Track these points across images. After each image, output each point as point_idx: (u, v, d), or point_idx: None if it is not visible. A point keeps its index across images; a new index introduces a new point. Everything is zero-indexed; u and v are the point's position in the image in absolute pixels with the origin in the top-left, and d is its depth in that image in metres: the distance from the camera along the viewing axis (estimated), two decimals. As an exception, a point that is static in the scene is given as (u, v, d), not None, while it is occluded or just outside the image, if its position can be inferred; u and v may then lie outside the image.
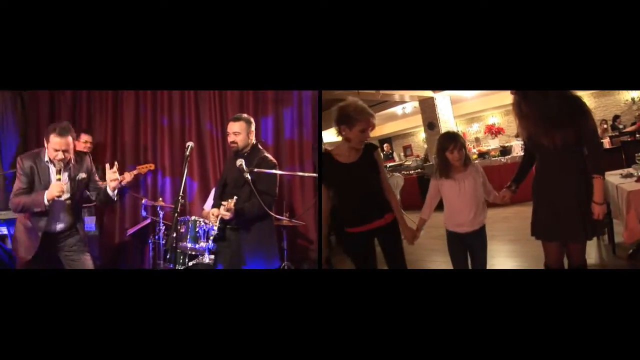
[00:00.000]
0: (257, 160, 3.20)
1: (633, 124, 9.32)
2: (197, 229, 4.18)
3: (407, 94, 8.76)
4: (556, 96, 2.36)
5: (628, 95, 11.23)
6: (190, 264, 4.16)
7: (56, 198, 2.96)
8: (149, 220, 4.76)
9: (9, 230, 4.10)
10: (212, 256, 3.95)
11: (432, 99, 9.78)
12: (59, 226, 3.17)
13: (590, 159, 2.39)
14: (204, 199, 4.81)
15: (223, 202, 3.05)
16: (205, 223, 4.15)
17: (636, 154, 3.96)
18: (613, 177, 3.73)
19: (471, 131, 12.74)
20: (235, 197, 3.04)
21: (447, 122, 10.31)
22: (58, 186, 2.94)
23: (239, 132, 3.24)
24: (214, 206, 3.32)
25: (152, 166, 4.80)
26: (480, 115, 14.11)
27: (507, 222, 5.64)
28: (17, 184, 3.04)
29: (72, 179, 3.16)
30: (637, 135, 7.77)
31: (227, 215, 3.04)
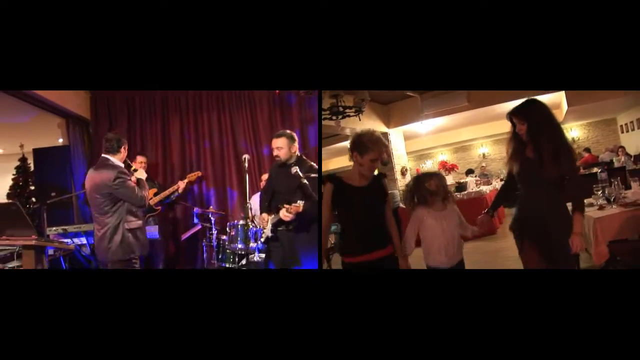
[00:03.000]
0: (306, 168, 3.51)
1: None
2: (247, 232, 4.70)
3: (359, 127, 8.86)
4: (552, 133, 2.54)
5: (569, 135, 11.89)
6: (243, 262, 4.72)
7: None
8: (199, 227, 5.50)
9: (87, 240, 4.73)
10: (262, 255, 4.28)
11: (386, 134, 9.92)
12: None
13: (573, 195, 2.60)
14: (243, 207, 5.43)
15: (286, 206, 3.30)
16: (254, 226, 4.66)
17: (594, 186, 4.11)
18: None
19: (424, 167, 13.04)
20: (303, 201, 3.25)
21: (401, 158, 10.47)
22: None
23: (281, 146, 3.58)
24: (262, 212, 3.74)
25: (199, 173, 5.56)
26: (431, 152, 14.51)
27: (467, 256, 5.70)
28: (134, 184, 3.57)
29: None
30: (582, 170, 8.20)
31: (289, 217, 3.30)
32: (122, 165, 3.60)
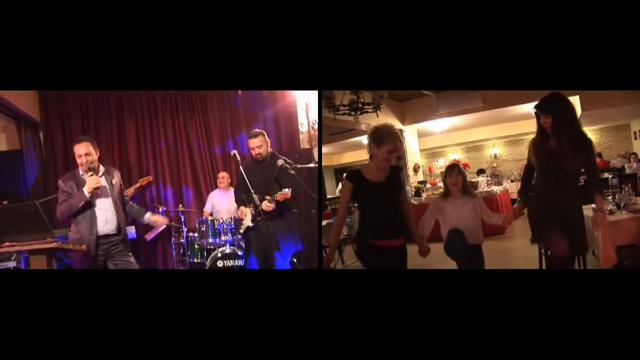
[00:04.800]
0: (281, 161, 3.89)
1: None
2: (216, 226, 5.10)
3: (375, 123, 8.95)
4: (574, 127, 2.77)
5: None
6: (219, 254, 4.87)
7: (94, 190, 3.27)
8: (164, 226, 5.38)
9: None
10: (233, 247, 4.87)
11: (401, 131, 10.03)
12: (108, 228, 3.40)
13: (594, 182, 2.88)
14: (198, 204, 5.93)
15: (267, 197, 3.72)
16: (223, 220, 5.07)
17: (604, 191, 4.21)
18: (587, 210, 3.97)
19: (437, 165, 13.12)
20: (290, 189, 3.69)
21: (414, 155, 10.60)
22: (94, 179, 3.25)
23: (261, 144, 3.92)
24: (239, 205, 4.09)
25: (150, 178, 5.60)
26: (443, 150, 14.60)
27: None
28: (59, 199, 3.34)
29: (108, 182, 3.48)
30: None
31: (271, 207, 3.74)
32: (74, 173, 3.44)
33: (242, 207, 4.01)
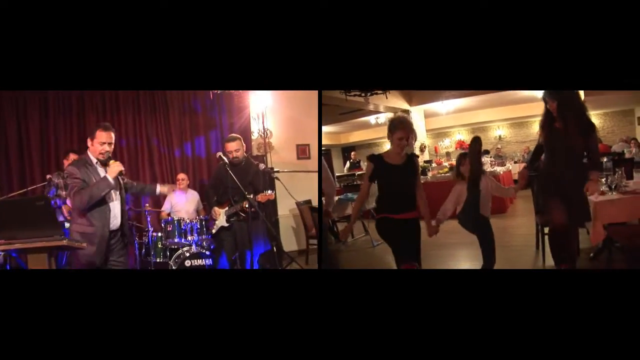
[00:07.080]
0: (254, 166, 4.20)
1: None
2: (182, 226, 5.06)
3: (383, 104, 9.20)
4: (577, 109, 3.08)
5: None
6: (187, 254, 4.80)
7: (119, 175, 3.18)
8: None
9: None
10: (198, 247, 4.88)
11: (408, 112, 10.25)
12: (116, 223, 3.26)
13: (594, 162, 3.18)
14: (156, 205, 5.88)
15: (249, 196, 3.84)
16: (190, 221, 5.04)
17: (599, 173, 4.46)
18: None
19: (442, 145, 13.36)
20: (272, 190, 3.88)
21: (420, 135, 10.83)
22: (117, 164, 3.15)
23: (238, 148, 4.15)
24: (211, 206, 4.32)
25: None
26: (449, 131, 14.81)
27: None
28: (73, 186, 3.09)
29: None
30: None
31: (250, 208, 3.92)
32: (85, 160, 3.23)
33: (215, 208, 4.23)
